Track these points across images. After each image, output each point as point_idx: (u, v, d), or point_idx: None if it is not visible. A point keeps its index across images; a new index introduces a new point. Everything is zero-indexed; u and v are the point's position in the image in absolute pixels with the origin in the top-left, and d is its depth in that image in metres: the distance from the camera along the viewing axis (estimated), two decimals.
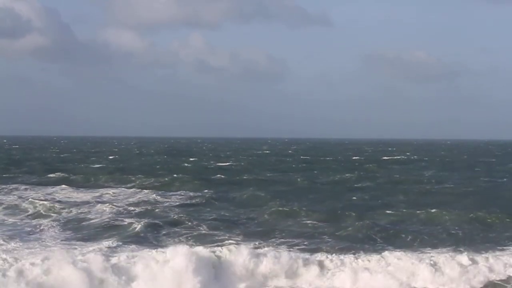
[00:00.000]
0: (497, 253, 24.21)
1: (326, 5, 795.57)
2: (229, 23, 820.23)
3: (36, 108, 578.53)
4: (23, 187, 48.27)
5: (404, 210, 35.37)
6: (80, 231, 29.11)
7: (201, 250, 22.23)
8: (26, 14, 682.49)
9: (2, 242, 25.44)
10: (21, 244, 25.31)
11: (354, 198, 43.28)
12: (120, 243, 25.54)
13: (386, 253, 23.21)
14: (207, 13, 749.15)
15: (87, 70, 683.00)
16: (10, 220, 32.18)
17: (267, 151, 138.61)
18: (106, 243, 25.49)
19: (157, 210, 35.54)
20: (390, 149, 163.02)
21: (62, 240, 26.69)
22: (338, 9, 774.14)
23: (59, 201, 39.40)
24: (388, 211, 34.94)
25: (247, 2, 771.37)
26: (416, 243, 26.95)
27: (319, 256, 23.20)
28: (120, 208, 35.80)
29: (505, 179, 57.34)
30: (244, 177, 58.29)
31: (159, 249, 22.94)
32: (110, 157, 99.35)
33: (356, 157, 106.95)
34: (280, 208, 35.51)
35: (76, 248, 24.37)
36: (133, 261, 21.05)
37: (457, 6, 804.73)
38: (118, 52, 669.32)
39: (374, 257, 22.91)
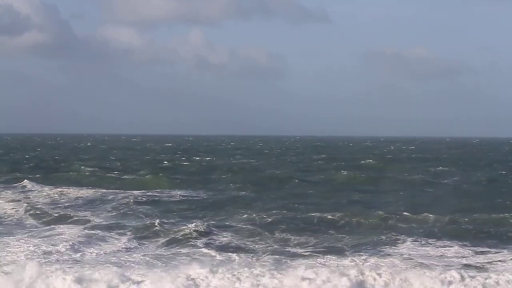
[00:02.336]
0: None
1: (325, 2, 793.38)
2: (229, 20, 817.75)
3: (34, 105, 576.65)
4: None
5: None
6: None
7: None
8: (25, 11, 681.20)
9: None
10: None
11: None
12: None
13: None
14: (206, 9, 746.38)
15: (86, 66, 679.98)
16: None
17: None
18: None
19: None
20: (392, 146, 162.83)
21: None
22: (338, 6, 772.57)
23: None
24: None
25: None
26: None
27: None
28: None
29: None
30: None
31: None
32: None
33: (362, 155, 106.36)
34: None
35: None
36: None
37: (457, 3, 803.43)
38: (118, 49, 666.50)
39: None
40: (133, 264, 21.84)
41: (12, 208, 35.51)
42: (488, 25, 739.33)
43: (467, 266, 21.63)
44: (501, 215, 32.27)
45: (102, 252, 24.22)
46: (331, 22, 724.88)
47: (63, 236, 26.89)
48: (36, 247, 24.55)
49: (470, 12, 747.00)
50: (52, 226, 30.11)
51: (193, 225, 28.80)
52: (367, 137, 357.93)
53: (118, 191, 45.03)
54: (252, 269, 19.66)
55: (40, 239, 26.41)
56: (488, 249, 24.78)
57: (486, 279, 19.21)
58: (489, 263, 22.35)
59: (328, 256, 23.26)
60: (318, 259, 22.83)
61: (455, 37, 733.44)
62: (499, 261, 22.73)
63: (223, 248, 25.04)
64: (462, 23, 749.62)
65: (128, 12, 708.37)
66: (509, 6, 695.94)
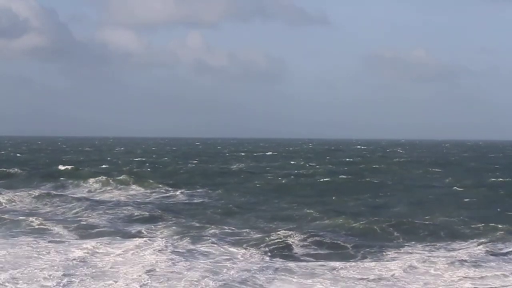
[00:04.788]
0: None
1: (324, 5, 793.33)
2: (228, 23, 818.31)
3: (33, 108, 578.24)
4: None
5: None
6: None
7: None
8: (24, 14, 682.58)
9: None
10: None
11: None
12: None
13: None
14: (206, 12, 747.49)
15: (85, 70, 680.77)
16: None
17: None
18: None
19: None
20: (391, 150, 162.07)
21: None
22: (337, 9, 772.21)
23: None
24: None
25: (245, 1, 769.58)
26: None
27: None
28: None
29: None
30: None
31: None
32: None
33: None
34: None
35: None
36: None
37: (457, 6, 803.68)
38: (116, 52, 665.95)
39: None
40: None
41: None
42: (488, 28, 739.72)
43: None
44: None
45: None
46: (331, 25, 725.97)
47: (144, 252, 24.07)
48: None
49: (470, 15, 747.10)
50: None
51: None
52: (368, 140, 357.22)
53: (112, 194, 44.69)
54: None
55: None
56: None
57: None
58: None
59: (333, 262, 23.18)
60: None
61: (455, 39, 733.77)
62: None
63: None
64: (462, 26, 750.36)
65: (126, 15, 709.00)
66: (508, 8, 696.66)
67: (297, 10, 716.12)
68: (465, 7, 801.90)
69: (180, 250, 24.19)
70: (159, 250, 23.87)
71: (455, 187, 49.70)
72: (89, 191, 47.33)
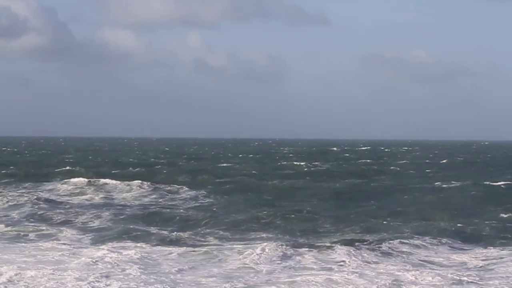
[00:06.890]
0: None
1: (325, 5, 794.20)
2: (228, 23, 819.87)
3: (32, 108, 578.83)
4: None
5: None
6: None
7: None
8: (23, 13, 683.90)
9: None
10: None
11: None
12: None
13: None
14: (205, 12, 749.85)
15: (85, 70, 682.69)
16: None
17: None
18: None
19: None
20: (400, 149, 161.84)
21: None
22: (337, 9, 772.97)
23: None
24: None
25: (245, 1, 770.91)
26: None
27: None
28: None
29: None
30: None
31: None
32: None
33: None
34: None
35: None
36: None
37: (457, 6, 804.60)
38: (116, 52, 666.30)
39: None
40: None
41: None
42: (488, 28, 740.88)
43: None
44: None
45: None
46: (331, 25, 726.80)
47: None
48: None
49: (470, 15, 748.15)
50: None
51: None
52: (368, 140, 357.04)
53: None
54: None
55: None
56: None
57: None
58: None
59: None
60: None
61: (455, 39, 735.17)
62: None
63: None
64: (462, 26, 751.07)
65: (126, 15, 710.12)
66: (509, 8, 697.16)
67: (297, 10, 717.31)
68: (465, 7, 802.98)
69: (193, 251, 24.40)
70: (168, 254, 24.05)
71: (456, 187, 49.55)
72: (88, 192, 46.92)
